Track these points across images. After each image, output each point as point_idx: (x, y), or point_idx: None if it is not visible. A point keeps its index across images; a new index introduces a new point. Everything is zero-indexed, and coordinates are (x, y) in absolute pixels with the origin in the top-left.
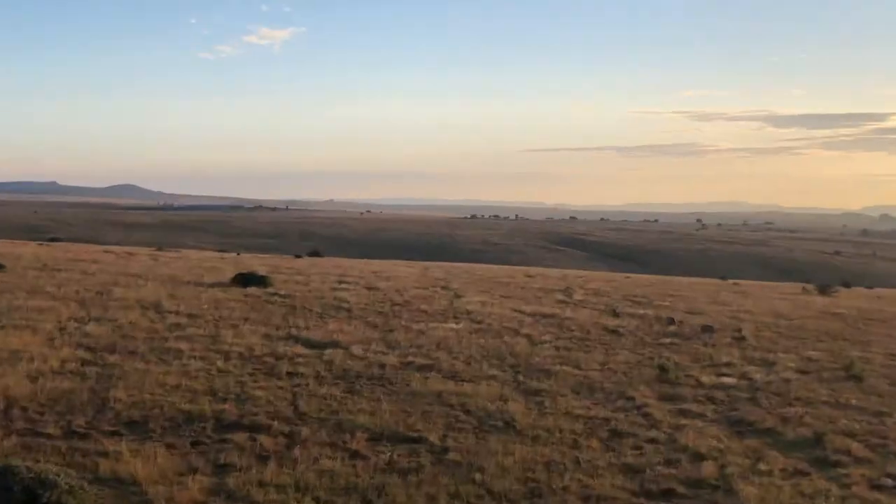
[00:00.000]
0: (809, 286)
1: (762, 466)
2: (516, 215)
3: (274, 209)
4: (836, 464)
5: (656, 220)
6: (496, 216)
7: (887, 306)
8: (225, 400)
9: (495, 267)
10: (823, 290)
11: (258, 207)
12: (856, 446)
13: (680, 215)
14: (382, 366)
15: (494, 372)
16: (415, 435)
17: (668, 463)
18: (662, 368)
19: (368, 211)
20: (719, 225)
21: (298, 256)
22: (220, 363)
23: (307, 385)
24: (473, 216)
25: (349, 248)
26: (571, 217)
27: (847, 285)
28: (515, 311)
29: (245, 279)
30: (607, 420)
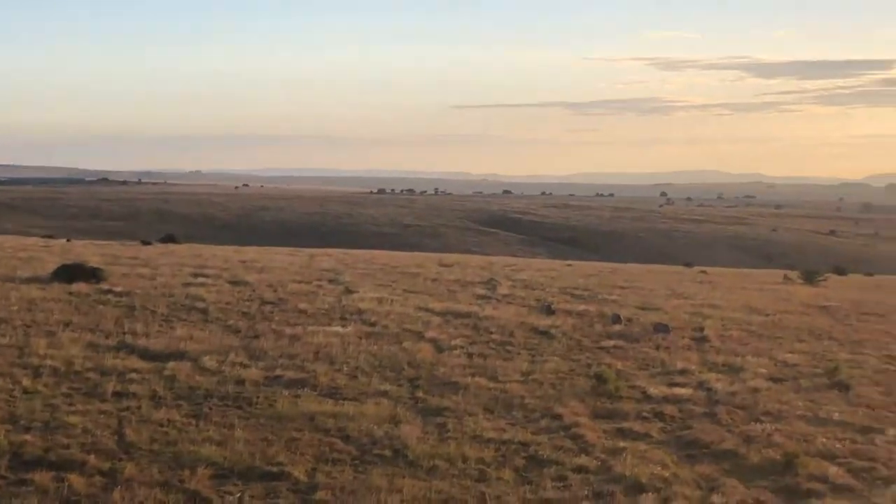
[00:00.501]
0: (792, 274)
1: (716, 499)
2: (436, 189)
3: (124, 183)
4: (809, 494)
5: (611, 195)
6: (410, 190)
7: (887, 297)
8: (28, 429)
9: (404, 254)
10: (809, 278)
11: (102, 180)
12: (835, 471)
13: (641, 188)
14: (241, 382)
15: (386, 387)
16: (275, 470)
17: (598, 497)
18: (600, 378)
19: (245, 185)
20: (689, 199)
21: (147, 243)
22: (26, 381)
23: (139, 408)
24: (381, 191)
25: (219, 233)
26: (505, 191)
27: (840, 272)
28: (421, 309)
29: (70, 272)
30: (525, 445)
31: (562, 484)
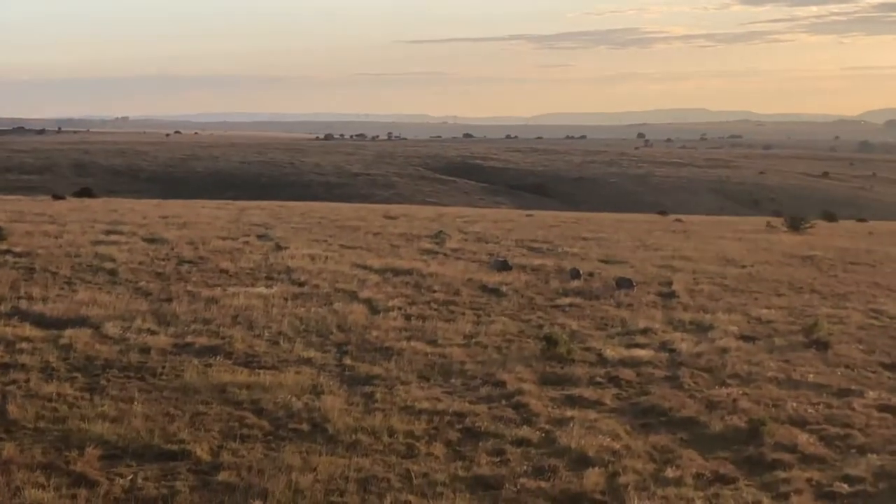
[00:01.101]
0: (776, 221)
1: (670, 473)
2: (389, 134)
3: (41, 132)
4: (775, 465)
5: (583, 137)
6: (360, 136)
7: (878, 245)
8: None
9: (346, 206)
10: (795, 225)
11: (17, 129)
12: (805, 439)
13: (617, 129)
14: (146, 350)
15: (311, 354)
16: (175, 448)
17: (538, 473)
18: (550, 340)
19: (177, 132)
20: (669, 141)
21: (59, 198)
22: None
23: (27, 381)
24: (328, 136)
25: (145, 185)
26: (466, 135)
27: (830, 218)
28: (358, 266)
29: None
30: (461, 416)
31: (499, 459)
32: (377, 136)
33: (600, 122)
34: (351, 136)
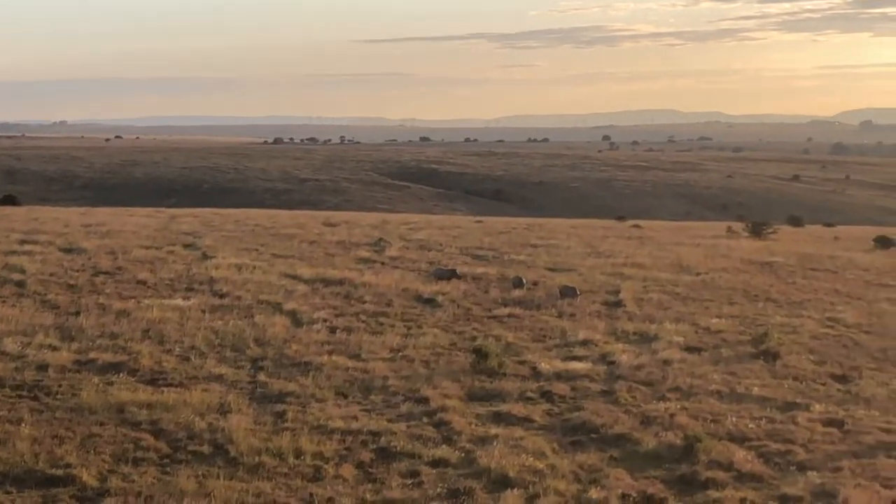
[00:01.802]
0: (738, 226)
1: (594, 494)
2: (342, 138)
3: None
4: (708, 484)
5: (546, 140)
6: (312, 139)
7: (843, 250)
8: None
9: (286, 213)
10: (757, 230)
11: None
12: (742, 457)
13: (582, 131)
14: (44, 367)
15: (223, 370)
16: (60, 473)
17: (452, 496)
18: (480, 353)
19: (118, 137)
20: (635, 143)
21: None
22: None
23: None
24: (277, 140)
25: (80, 193)
26: (423, 138)
27: (797, 222)
28: (287, 276)
29: None
30: (377, 435)
31: (412, 481)
32: (329, 140)
33: (565, 123)
34: (301, 140)
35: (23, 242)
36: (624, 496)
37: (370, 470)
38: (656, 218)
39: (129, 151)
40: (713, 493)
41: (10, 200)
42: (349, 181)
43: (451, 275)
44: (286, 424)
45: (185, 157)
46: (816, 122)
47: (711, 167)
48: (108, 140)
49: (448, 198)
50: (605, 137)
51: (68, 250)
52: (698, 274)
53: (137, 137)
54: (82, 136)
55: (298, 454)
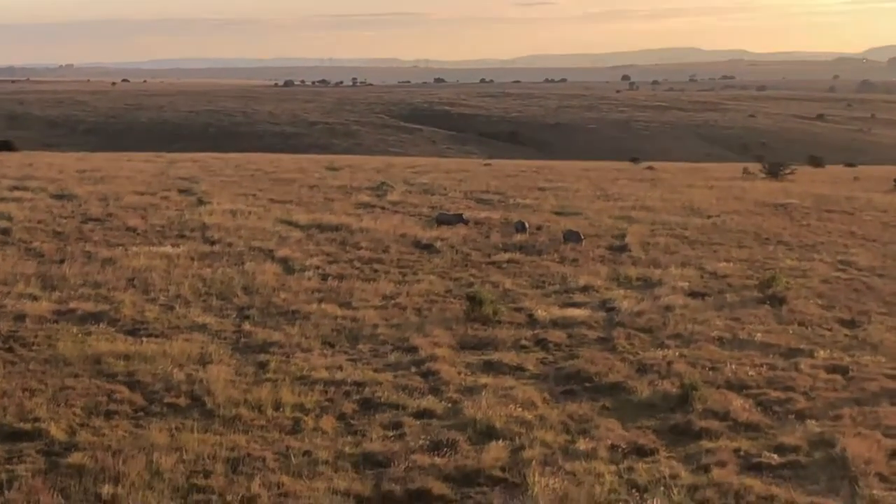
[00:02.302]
0: (754, 167)
1: (582, 445)
2: (354, 80)
3: None
4: (702, 434)
5: (563, 80)
6: (323, 82)
7: (862, 191)
8: None
9: (288, 157)
10: (773, 171)
11: None
12: (740, 405)
13: (601, 71)
14: (21, 318)
15: (207, 319)
16: (28, 427)
17: (434, 448)
18: (474, 300)
19: (125, 80)
20: (655, 83)
21: None
22: None
23: None
24: (287, 83)
25: (84, 138)
26: (437, 79)
27: (817, 163)
28: (283, 222)
29: None
30: (361, 385)
31: (394, 433)
32: (341, 83)
33: (584, 62)
34: (312, 83)
35: (13, 189)
36: (613, 447)
37: (352, 422)
38: (675, 159)
39: (133, 95)
40: (706, 444)
41: (6, 146)
42: (360, 124)
43: (456, 220)
44: (268, 375)
45: (191, 101)
46: (843, 59)
47: (732, 107)
48: (113, 84)
49: (461, 140)
50: (625, 77)
51: (59, 196)
52: (709, 217)
53: (145, 81)
54: (88, 80)
55: (278, 406)
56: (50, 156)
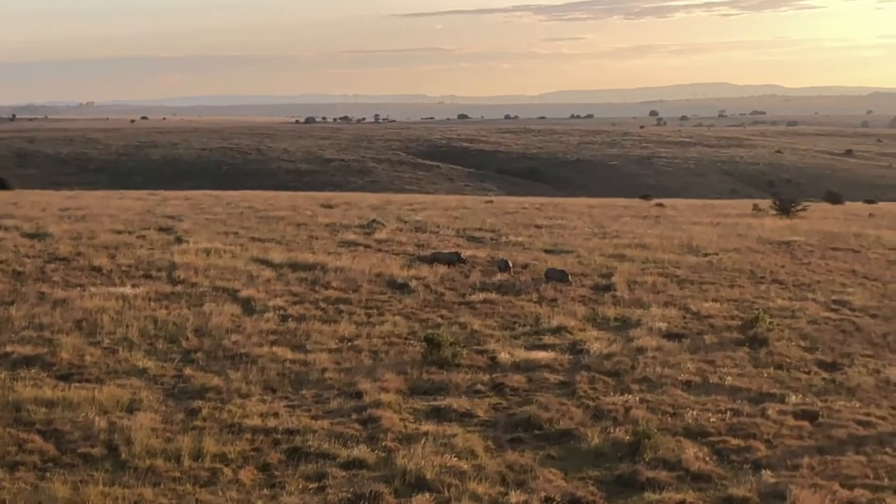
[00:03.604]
0: (764, 203)
1: (514, 498)
2: (377, 116)
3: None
4: (647, 485)
5: (590, 116)
6: (344, 118)
7: (873, 228)
8: None
9: (285, 195)
10: (785, 207)
11: None
12: (694, 454)
13: (630, 107)
14: None
15: (149, 363)
16: None
17: (355, 502)
18: (432, 343)
19: (144, 118)
20: (683, 119)
21: None
22: None
23: None
24: (308, 120)
25: (94, 176)
26: (461, 115)
27: (835, 199)
28: (257, 260)
29: None
30: (293, 434)
31: (316, 485)
32: (363, 119)
33: (612, 99)
34: (334, 119)
35: None
36: (547, 500)
37: (274, 473)
38: (697, 196)
39: (146, 133)
40: (650, 496)
41: (1, 184)
42: (376, 161)
43: (455, 258)
44: (196, 423)
45: (204, 138)
46: (878, 93)
47: (759, 142)
48: (132, 121)
49: (479, 177)
50: (652, 113)
51: (31, 235)
52: (706, 255)
53: (164, 118)
54: (107, 118)
55: (198, 456)
56: (41, 194)
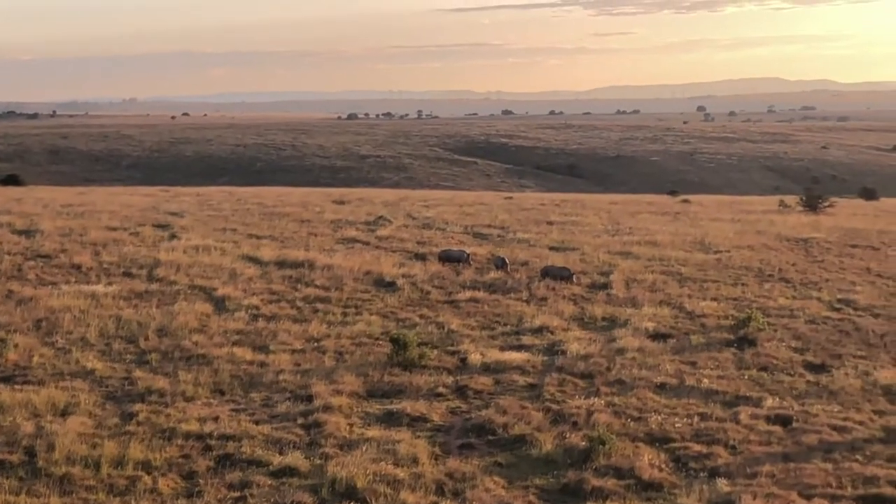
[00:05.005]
0: (790, 199)
1: None
2: (419, 111)
3: (34, 116)
4: (592, 495)
5: (636, 111)
6: (387, 114)
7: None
8: None
9: (299, 191)
10: (811, 203)
11: (8, 114)
12: (649, 461)
13: (679, 102)
14: None
15: (98, 365)
16: None
17: None
18: (398, 344)
19: (185, 114)
20: (731, 114)
21: None
22: None
23: None
24: (351, 116)
25: (127, 173)
26: (505, 111)
27: (870, 195)
28: (245, 258)
29: None
30: (227, 440)
31: (238, 495)
32: (406, 115)
33: (662, 94)
34: (376, 115)
35: None
36: None
37: (199, 481)
38: (739, 193)
39: (181, 129)
40: None
41: (12, 180)
42: (412, 157)
43: (464, 256)
44: (129, 428)
45: (239, 134)
46: None
47: (804, 138)
48: (173, 118)
49: (517, 174)
50: (700, 108)
51: (21, 232)
52: (717, 252)
53: (206, 115)
54: (147, 115)
55: (120, 463)
56: (48, 190)
